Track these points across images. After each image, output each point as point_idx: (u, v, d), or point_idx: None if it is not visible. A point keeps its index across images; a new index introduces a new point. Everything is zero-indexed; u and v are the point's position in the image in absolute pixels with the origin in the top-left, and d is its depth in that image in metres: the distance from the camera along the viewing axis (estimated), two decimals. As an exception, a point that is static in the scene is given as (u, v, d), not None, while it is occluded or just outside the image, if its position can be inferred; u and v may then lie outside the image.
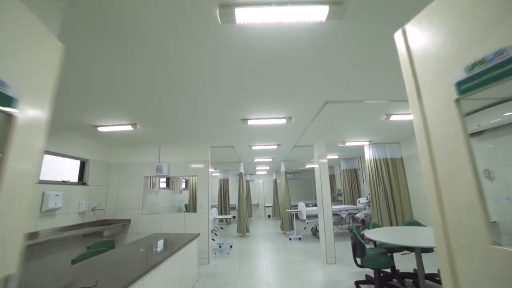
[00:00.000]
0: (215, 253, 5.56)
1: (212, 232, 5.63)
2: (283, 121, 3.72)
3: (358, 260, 3.23)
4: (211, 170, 10.52)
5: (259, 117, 3.63)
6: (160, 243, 3.31)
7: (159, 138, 4.80)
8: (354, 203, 8.16)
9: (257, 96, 2.90)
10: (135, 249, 2.92)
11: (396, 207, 5.69)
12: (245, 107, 3.24)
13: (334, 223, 7.07)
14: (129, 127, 3.82)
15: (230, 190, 11.23)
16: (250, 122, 3.73)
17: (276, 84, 2.61)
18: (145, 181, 5.26)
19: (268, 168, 10.55)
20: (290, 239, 6.82)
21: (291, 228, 7.74)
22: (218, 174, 11.22)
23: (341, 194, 9.40)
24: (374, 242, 3.78)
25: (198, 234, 3.87)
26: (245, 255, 5.38)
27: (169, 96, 2.84)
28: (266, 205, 13.02)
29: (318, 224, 7.16)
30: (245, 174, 12.06)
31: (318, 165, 5.07)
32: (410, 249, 3.35)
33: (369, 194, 6.31)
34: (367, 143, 5.91)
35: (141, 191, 5.12)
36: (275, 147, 5.79)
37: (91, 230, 4.08)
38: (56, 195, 3.67)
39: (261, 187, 13.55)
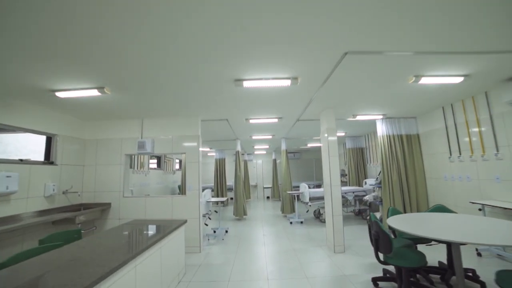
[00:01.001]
0: (208, 239, 5.02)
1: (204, 216, 5.05)
2: (287, 82, 2.96)
3: (381, 255, 2.62)
4: (206, 149, 9.85)
5: (257, 77, 2.87)
6: (135, 232, 2.69)
7: (141, 109, 4.06)
8: (360, 185, 7.59)
9: (256, 44, 2.14)
10: (103, 242, 2.29)
11: (410, 189, 5.09)
12: (239, 62, 2.48)
13: (339, 206, 6.53)
14: (95, 92, 3.06)
15: (227, 171, 10.64)
16: (246, 84, 2.97)
17: (281, 23, 1.84)
18: (126, 159, 4.58)
19: (267, 147, 9.89)
20: (291, 222, 6.30)
21: (292, 210, 7.21)
22: (214, 154, 10.58)
23: (346, 175, 8.82)
24: (393, 231, 3.17)
25: (185, 221, 3.26)
26: (242, 241, 4.84)
27: (145, 47, 2.08)
28: (265, 186, 12.53)
29: (321, 207, 6.64)
30: (243, 154, 11.44)
31: (325, 140, 4.39)
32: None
33: (379, 174, 5.70)
34: (381, 117, 5.19)
35: (122, 171, 4.45)
36: (276, 120, 5.06)
37: (60, 216, 3.45)
38: (8, 176, 2.99)
39: (260, 167, 12.98)
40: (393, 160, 5.17)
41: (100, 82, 2.89)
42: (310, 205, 6.29)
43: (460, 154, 4.28)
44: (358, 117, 5.12)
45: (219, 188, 9.79)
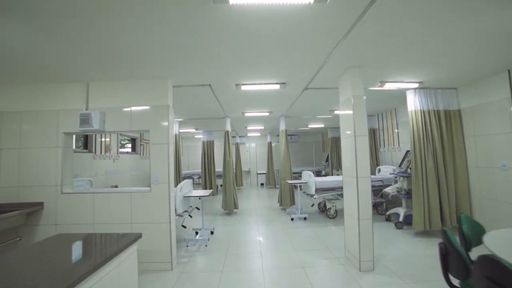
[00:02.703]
0: (187, 246, 3.82)
1: (181, 216, 3.82)
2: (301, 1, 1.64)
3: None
4: (191, 130, 8.51)
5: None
6: (42, 264, 1.42)
7: (85, 67, 2.69)
8: (371, 173, 6.45)
9: None
10: None
11: (448, 180, 3.95)
12: None
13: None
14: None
15: (216, 155, 9.38)
16: (233, 1, 1.63)
17: None
18: (67, 140, 3.23)
19: (262, 127, 8.58)
20: (292, 219, 5.15)
21: (292, 203, 6.07)
22: (201, 136, 9.24)
23: (353, 160, 7.68)
24: (466, 241, 2.00)
25: (139, 236, 2.02)
26: (231, 249, 3.66)
27: None
28: (259, 172, 11.36)
29: (327, 199, 5.52)
30: (234, 136, 10.15)
31: (348, 115, 3.13)
32: None
33: (407, 159, 4.53)
34: (416, 85, 3.93)
35: (59, 156, 3.11)
36: (277, 87, 3.73)
37: None
38: None
39: (253, 152, 11.75)
40: (427, 142, 3.98)
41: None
42: (315, 198, 5.13)
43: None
44: (387, 86, 3.85)
45: (207, 175, 8.56)
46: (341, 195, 5.42)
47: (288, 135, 11.61)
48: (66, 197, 3.07)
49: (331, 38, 2.34)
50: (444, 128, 4.07)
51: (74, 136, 3.35)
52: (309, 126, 8.48)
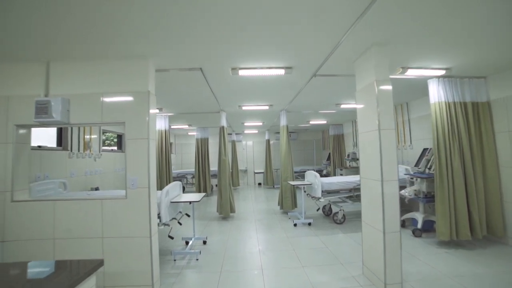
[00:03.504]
0: (174, 261, 3.23)
1: (167, 225, 3.22)
2: None
3: None
4: (183, 126, 7.89)
5: None
6: None
7: (41, 38, 2.06)
8: (379, 171, 5.93)
9: None
10: None
11: (477, 182, 3.43)
12: None
13: (351, 198, 4.89)
14: None
15: (211, 153, 8.79)
16: None
17: None
18: (22, 134, 2.60)
19: (260, 124, 8.00)
20: (295, 224, 4.60)
21: (294, 205, 5.52)
22: (195, 133, 8.63)
23: (358, 159, 7.16)
24: None
25: (99, 263, 1.41)
26: (227, 265, 3.08)
27: None
28: (256, 171, 10.79)
29: (333, 202, 4.96)
30: (230, 134, 9.58)
31: (370, 104, 2.57)
32: None
33: (426, 158, 4.01)
34: (443, 71, 3.37)
35: (9, 155, 2.48)
36: (282, 72, 3.14)
37: None
38: None
39: (250, 150, 11.17)
40: (453, 138, 3.44)
41: None
42: (321, 201, 4.58)
43: None
44: (410, 72, 3.29)
45: (201, 174, 7.97)
46: (349, 198, 4.90)
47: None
48: (17, 206, 2.44)
49: (355, 7, 1.77)
50: (471, 123, 3.54)
51: (31, 129, 2.71)
52: (310, 122, 7.93)
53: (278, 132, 11.04)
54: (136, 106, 2.54)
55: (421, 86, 4.01)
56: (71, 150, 4.50)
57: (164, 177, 5.42)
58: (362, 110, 2.76)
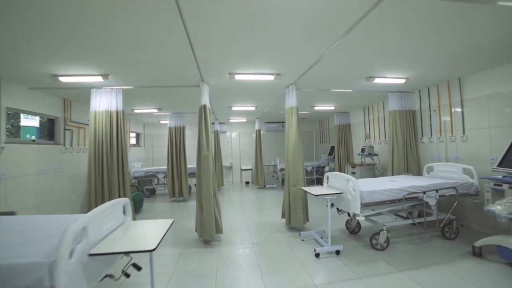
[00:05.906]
0: None
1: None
2: None
3: None
4: (152, 110, 6.03)
5: None
6: None
7: None
8: (408, 171, 4.51)
9: None
10: None
11: None
12: None
13: (399, 213, 3.42)
14: None
15: (188, 147, 6.99)
16: None
17: None
18: None
19: (253, 108, 6.24)
20: (317, 255, 3.01)
21: (306, 219, 3.94)
22: (167, 122, 6.76)
23: (376, 154, 5.73)
24: None
25: None
26: None
27: None
28: (243, 167, 9.13)
29: (368, 218, 3.38)
30: (213, 123, 7.79)
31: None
32: None
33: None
34: None
35: None
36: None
37: None
38: None
39: (236, 142, 9.47)
40: None
41: None
42: (361, 219, 2.99)
43: None
44: None
45: (175, 174, 6.19)
46: (400, 212, 3.42)
47: (278, 122, 9.50)
48: None
49: None
50: None
51: None
52: (316, 108, 6.36)
53: (270, 122, 9.39)
54: None
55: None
56: (63, 144, 2.59)
57: (116, 182, 3.59)
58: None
